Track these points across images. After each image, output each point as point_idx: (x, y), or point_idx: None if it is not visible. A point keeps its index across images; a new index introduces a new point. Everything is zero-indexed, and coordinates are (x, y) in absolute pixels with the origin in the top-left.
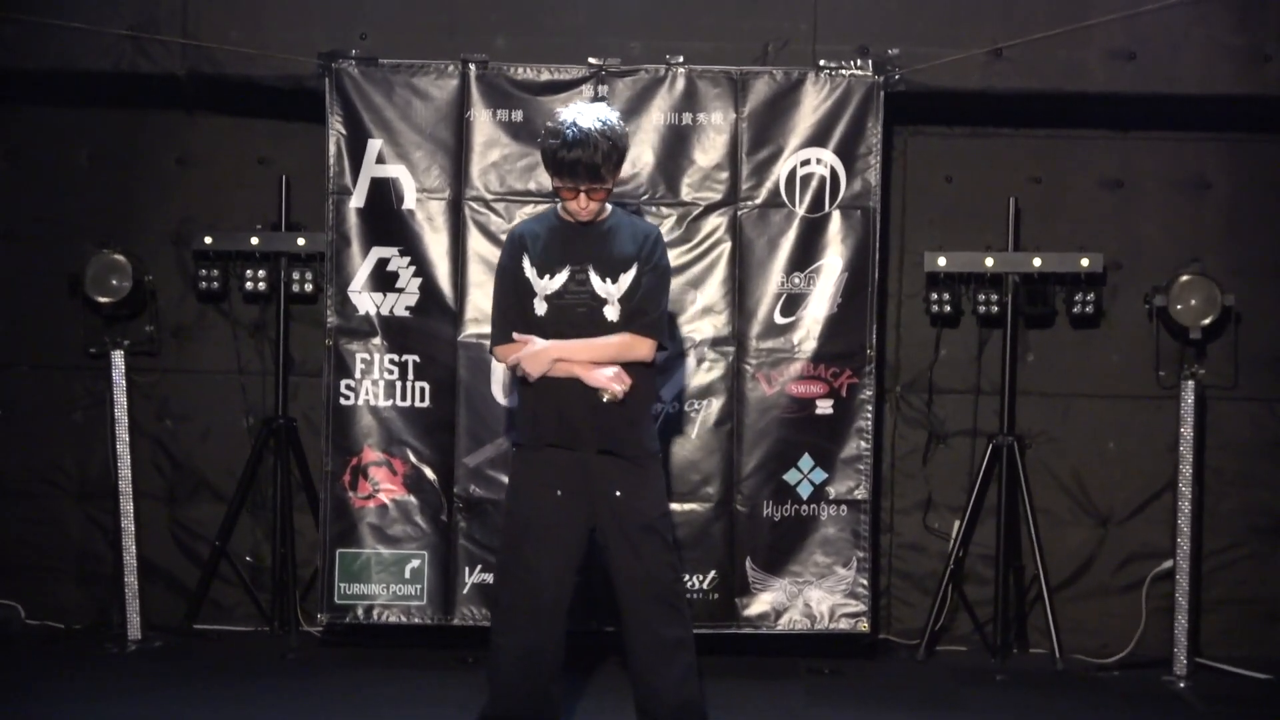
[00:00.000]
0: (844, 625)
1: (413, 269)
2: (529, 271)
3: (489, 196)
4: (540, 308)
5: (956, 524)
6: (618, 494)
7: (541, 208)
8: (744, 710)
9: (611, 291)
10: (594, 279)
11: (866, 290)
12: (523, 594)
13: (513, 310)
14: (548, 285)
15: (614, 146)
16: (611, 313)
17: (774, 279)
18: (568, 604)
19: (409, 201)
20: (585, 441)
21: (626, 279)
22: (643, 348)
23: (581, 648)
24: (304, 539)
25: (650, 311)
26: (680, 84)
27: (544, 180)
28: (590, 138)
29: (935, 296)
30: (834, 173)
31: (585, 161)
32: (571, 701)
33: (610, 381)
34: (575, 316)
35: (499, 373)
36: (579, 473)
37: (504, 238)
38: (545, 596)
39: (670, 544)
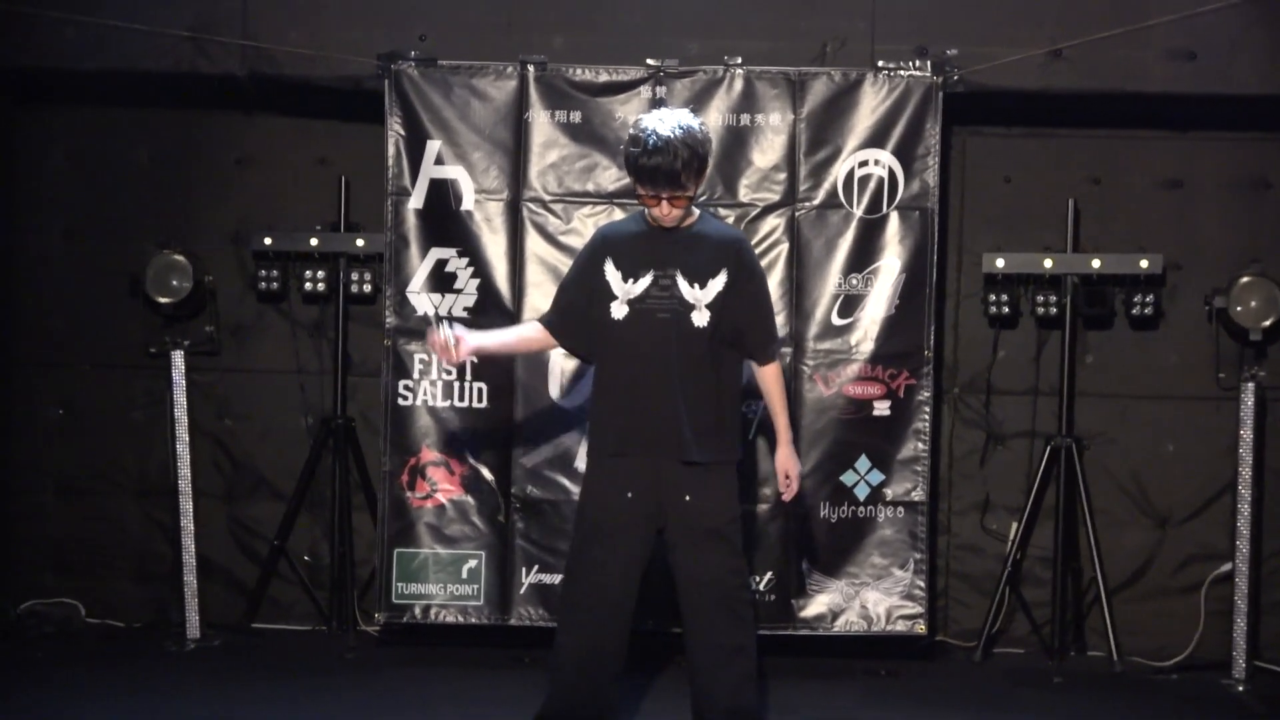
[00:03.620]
0: (901, 627)
1: (471, 270)
2: (611, 275)
3: (547, 198)
4: (620, 311)
5: (1014, 525)
6: (687, 498)
7: (599, 209)
8: (800, 712)
9: (700, 297)
10: (681, 284)
11: (924, 291)
12: (589, 593)
13: (571, 300)
14: (631, 290)
15: (694, 154)
16: (700, 319)
17: (831, 280)
18: (633, 605)
19: (467, 202)
20: (668, 450)
21: (716, 285)
22: (777, 370)
23: (646, 648)
24: (362, 538)
25: (767, 330)
26: (738, 85)
27: (602, 181)
28: (670, 145)
29: (993, 297)
30: (892, 173)
31: (665, 169)
32: (633, 702)
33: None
34: (655, 322)
35: (557, 373)
36: (651, 475)
37: (561, 239)
38: (610, 597)
39: (738, 550)
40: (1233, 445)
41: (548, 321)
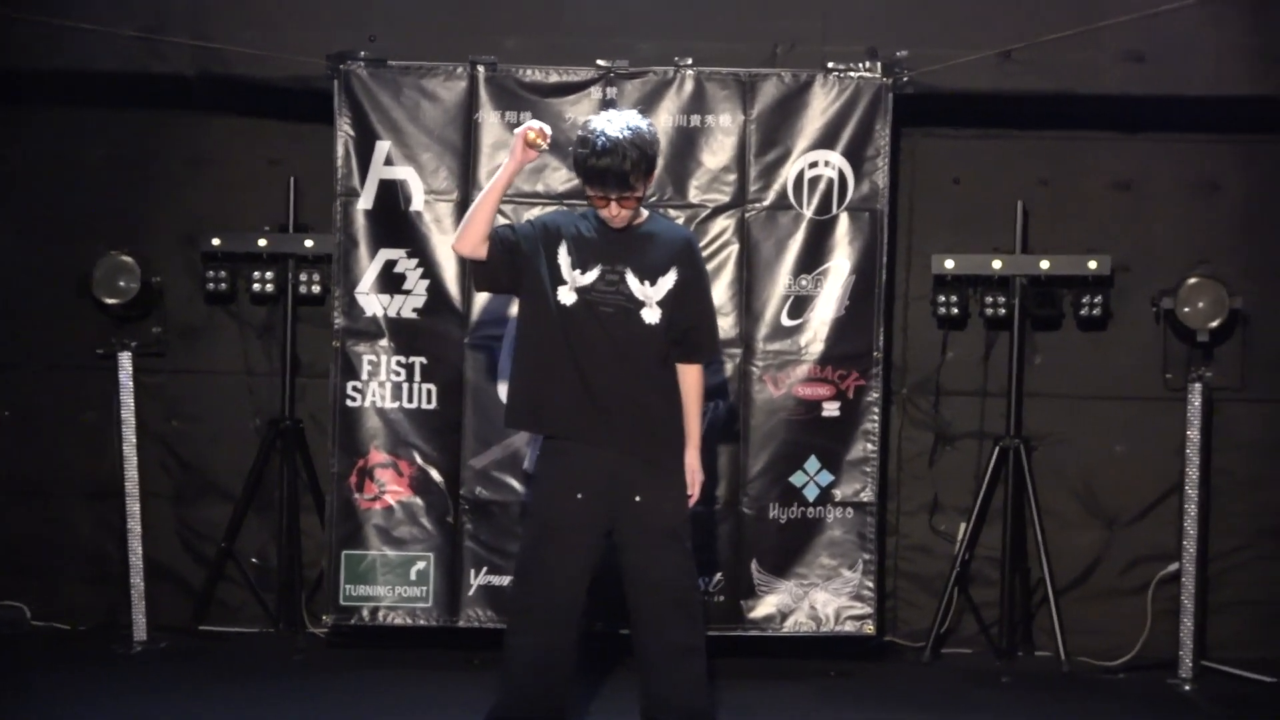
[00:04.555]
0: (850, 627)
1: (420, 271)
2: (563, 259)
3: None
4: (568, 298)
5: (963, 526)
6: (638, 499)
7: (550, 210)
8: (750, 712)
9: (650, 294)
10: (631, 281)
11: (874, 292)
12: (539, 595)
13: (518, 240)
14: (579, 279)
15: (643, 155)
16: (650, 315)
17: (781, 281)
18: (582, 606)
19: (417, 203)
20: (623, 446)
21: (665, 283)
22: (700, 373)
23: (593, 650)
24: (310, 540)
25: (712, 333)
26: (689, 86)
27: (552, 183)
28: (619, 146)
29: (943, 299)
30: (842, 175)
31: (614, 170)
32: (581, 703)
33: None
34: (602, 315)
35: (506, 375)
36: (602, 474)
37: None
38: (560, 598)
39: (689, 551)
40: (1180, 446)
41: (495, 233)
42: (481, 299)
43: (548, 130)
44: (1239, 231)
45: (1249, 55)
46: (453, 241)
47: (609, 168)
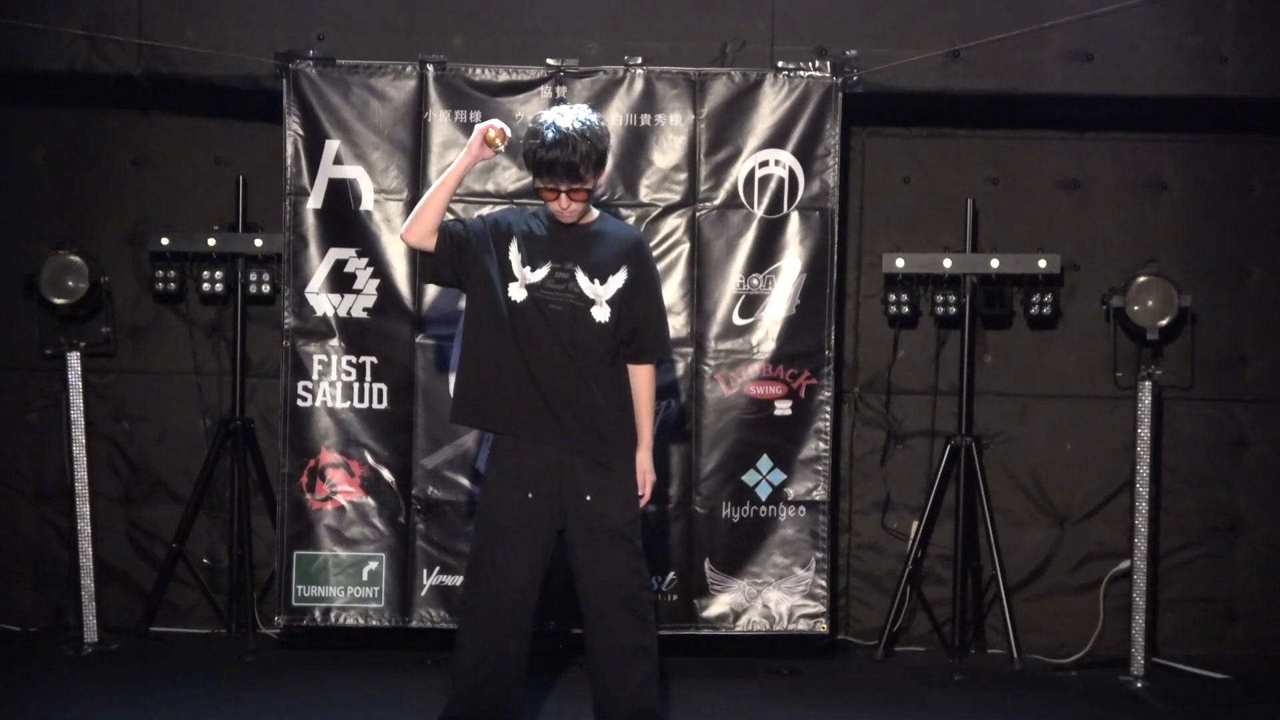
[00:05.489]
0: (802, 626)
1: (370, 270)
2: (514, 255)
3: None
4: (519, 294)
5: (915, 524)
6: (587, 498)
7: (500, 209)
8: (703, 711)
9: (600, 293)
10: (581, 279)
11: (825, 291)
12: (490, 595)
13: (467, 235)
14: (529, 276)
15: (593, 147)
16: (601, 314)
17: (732, 280)
18: (534, 606)
19: (367, 202)
20: (571, 444)
21: (615, 281)
22: (651, 374)
23: (546, 649)
24: (261, 541)
25: (661, 333)
26: (638, 85)
27: (502, 181)
28: (569, 138)
29: (893, 297)
30: (792, 174)
31: (564, 161)
32: (534, 703)
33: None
34: (551, 313)
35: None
36: (551, 473)
37: None
38: (512, 598)
39: (639, 550)
40: (1130, 444)
41: (444, 226)
42: (431, 297)
43: (508, 131)
44: (1185, 230)
45: (1193, 55)
46: (402, 230)
47: (558, 159)
